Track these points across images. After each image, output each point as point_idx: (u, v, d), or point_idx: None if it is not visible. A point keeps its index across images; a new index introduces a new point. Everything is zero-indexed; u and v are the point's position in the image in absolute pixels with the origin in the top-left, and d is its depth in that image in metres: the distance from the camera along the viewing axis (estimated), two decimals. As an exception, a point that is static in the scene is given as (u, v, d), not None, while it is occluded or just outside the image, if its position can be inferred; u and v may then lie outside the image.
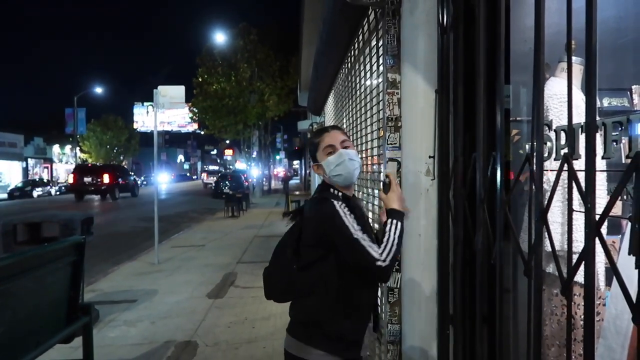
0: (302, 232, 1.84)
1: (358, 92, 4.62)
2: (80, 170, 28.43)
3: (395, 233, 1.72)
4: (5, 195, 31.75)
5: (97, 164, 36.63)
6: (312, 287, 1.78)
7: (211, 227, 13.60)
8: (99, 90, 43.80)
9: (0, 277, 2.36)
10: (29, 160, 41.52)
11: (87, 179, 26.96)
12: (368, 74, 3.90)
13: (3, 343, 2.39)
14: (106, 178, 27.02)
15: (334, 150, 1.85)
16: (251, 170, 28.22)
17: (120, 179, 28.46)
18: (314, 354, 1.76)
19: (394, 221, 1.75)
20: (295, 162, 50.24)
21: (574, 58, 1.65)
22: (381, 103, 3.28)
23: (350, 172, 1.84)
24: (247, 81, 24.47)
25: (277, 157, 57.35)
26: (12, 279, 2.47)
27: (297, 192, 18.13)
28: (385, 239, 1.69)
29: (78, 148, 45.86)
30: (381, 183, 1.92)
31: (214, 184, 29.50)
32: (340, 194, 1.85)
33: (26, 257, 2.68)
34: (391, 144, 2.89)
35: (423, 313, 2.75)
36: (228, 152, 74.47)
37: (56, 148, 46.76)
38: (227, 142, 49.12)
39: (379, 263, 1.63)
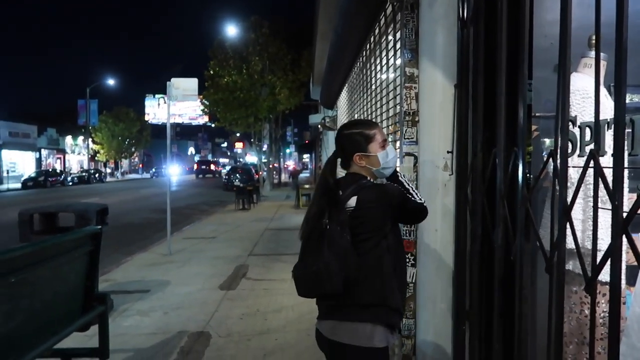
0: (357, 220, 1.84)
1: (373, 86, 4.60)
2: (200, 162, 59.09)
3: (407, 180, 2.09)
4: (19, 185, 32.15)
5: (207, 158, 68.32)
6: (372, 269, 1.84)
7: (222, 219, 13.66)
8: (111, 82, 44.20)
9: (19, 267, 2.39)
10: (42, 150, 42.00)
11: (203, 167, 55.44)
12: (384, 68, 3.88)
13: (21, 332, 2.42)
14: (212, 167, 57.55)
15: (386, 145, 1.97)
16: (262, 163, 28.24)
17: (215, 167, 58.70)
18: (378, 333, 1.82)
19: (399, 172, 2.10)
20: (305, 156, 50.32)
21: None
22: (398, 97, 3.27)
23: (394, 168, 2.05)
24: (259, 74, 24.45)
25: (287, 151, 57.43)
26: (30, 268, 2.50)
27: (307, 186, 18.13)
28: (408, 187, 2.03)
29: (90, 139, 46.30)
30: None
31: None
32: None
33: (44, 247, 2.70)
34: (408, 138, 2.88)
35: (438, 308, 2.75)
36: (238, 145, 75.33)
37: (69, 139, 47.24)
38: (238, 135, 49.37)
39: (425, 205, 2.00)
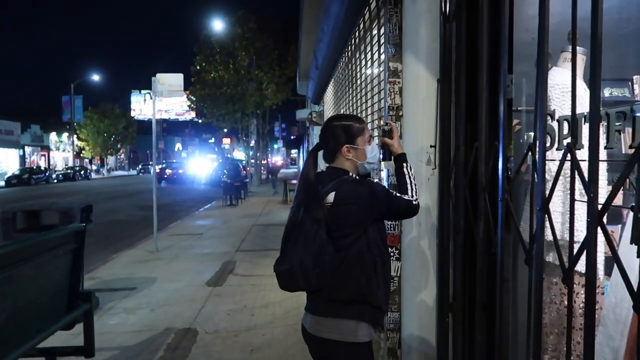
0: (335, 216, 1.83)
1: (358, 81, 4.61)
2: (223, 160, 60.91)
3: (412, 174, 2.05)
4: (2, 183, 31.70)
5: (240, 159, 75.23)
6: (352, 265, 1.83)
7: (210, 215, 13.61)
8: (96, 77, 43.63)
9: (2, 265, 2.36)
10: (26, 147, 41.39)
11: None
12: (369, 63, 3.89)
13: (5, 330, 2.40)
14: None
15: (371, 141, 2.01)
16: (250, 159, 28.13)
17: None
18: (362, 329, 1.83)
19: (407, 164, 2.06)
20: (294, 151, 50.34)
21: (577, 48, 1.65)
22: (382, 92, 3.28)
23: (376, 164, 2.06)
24: (245, 69, 24.30)
25: (275, 146, 57.27)
26: (14, 266, 2.47)
27: (294, 181, 18.11)
28: (409, 182, 2.01)
29: (75, 136, 45.74)
30: (382, 130, 2.14)
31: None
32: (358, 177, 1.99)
33: (27, 245, 2.67)
34: (392, 133, 2.89)
35: (423, 301, 2.77)
36: (226, 141, 75.41)
37: (53, 136, 46.61)
38: (225, 130, 49.26)
39: (414, 203, 1.98)
